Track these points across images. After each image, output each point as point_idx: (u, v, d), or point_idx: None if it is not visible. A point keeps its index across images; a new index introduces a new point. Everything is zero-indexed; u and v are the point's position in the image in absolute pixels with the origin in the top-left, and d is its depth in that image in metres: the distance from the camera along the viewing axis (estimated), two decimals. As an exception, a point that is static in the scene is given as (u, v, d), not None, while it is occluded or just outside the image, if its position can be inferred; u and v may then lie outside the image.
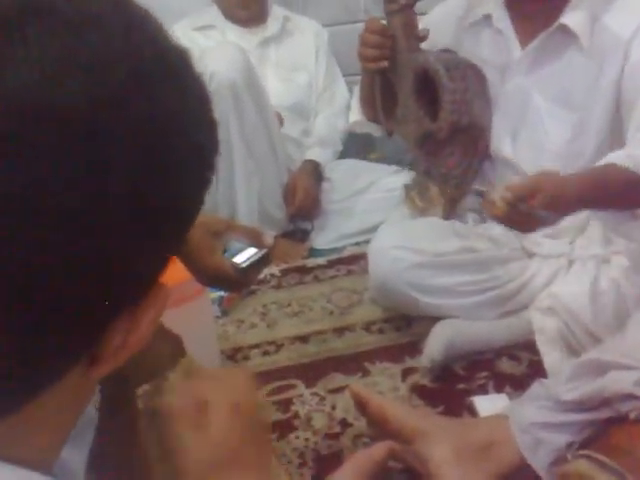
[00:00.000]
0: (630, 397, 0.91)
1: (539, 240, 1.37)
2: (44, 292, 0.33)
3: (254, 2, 1.95)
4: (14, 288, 0.32)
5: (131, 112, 0.34)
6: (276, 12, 2.02)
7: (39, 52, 0.32)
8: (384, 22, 1.33)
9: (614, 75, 1.20)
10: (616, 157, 1.12)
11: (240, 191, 1.69)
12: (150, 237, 0.37)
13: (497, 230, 1.39)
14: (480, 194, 1.16)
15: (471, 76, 1.31)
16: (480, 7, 1.34)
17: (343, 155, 2.01)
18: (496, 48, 1.33)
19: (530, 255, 1.38)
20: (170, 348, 0.80)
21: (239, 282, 0.95)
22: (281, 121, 1.86)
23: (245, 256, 0.92)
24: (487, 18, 1.33)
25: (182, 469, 0.56)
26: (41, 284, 0.32)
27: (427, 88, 1.33)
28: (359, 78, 1.49)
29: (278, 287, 1.67)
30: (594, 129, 1.25)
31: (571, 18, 1.22)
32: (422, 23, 1.36)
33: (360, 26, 2.10)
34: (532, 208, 1.01)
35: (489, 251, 1.36)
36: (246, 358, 1.42)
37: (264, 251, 0.92)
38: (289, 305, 1.58)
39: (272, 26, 2.00)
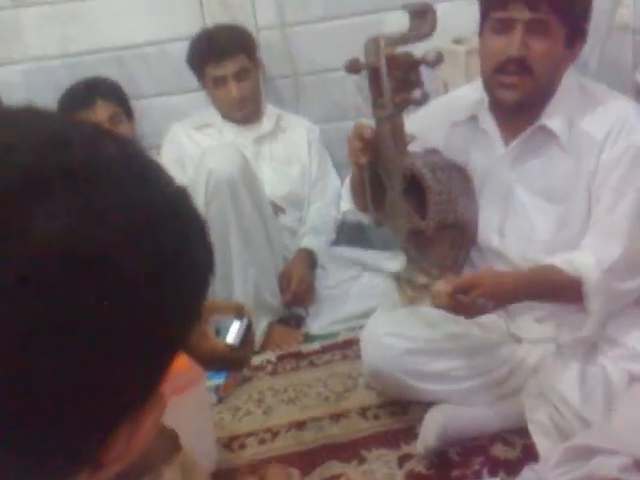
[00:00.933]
0: (617, 481, 0.94)
1: (526, 325, 1.42)
2: (50, 405, 0.36)
3: (249, 103, 2.07)
4: (24, 404, 0.36)
5: (144, 251, 0.39)
6: (270, 111, 2.14)
7: (64, 206, 0.37)
8: (371, 124, 1.42)
9: (590, 172, 1.29)
10: (559, 259, 1.24)
11: (237, 280, 1.74)
12: (153, 353, 0.41)
13: (486, 316, 1.43)
14: (425, 286, 1.27)
15: (456, 176, 1.39)
16: (465, 109, 1.44)
17: (336, 242, 2.08)
18: (481, 146, 1.42)
19: (518, 340, 1.42)
20: (166, 443, 0.82)
21: (238, 359, 1.00)
22: (282, 210, 1.94)
23: (234, 332, 0.97)
24: (472, 119, 1.43)
25: None
26: (48, 397, 0.36)
27: (415, 188, 1.40)
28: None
29: (274, 373, 1.69)
30: (578, 220, 1.33)
31: (550, 119, 1.31)
32: (408, 123, 1.45)
33: (351, 123, 2.23)
34: (471, 299, 1.14)
35: (478, 337, 1.41)
36: (242, 447, 1.43)
37: (246, 320, 0.98)
38: (285, 391, 1.60)
39: (266, 124, 2.11)
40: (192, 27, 2.14)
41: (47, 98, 2.06)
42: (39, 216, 0.36)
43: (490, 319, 1.44)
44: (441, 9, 2.01)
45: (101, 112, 2.08)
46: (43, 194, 0.37)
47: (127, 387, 0.40)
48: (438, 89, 1.98)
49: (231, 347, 0.95)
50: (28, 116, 0.43)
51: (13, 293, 0.35)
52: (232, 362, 0.98)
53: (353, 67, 1.42)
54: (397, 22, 2.01)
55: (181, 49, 2.11)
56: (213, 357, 0.94)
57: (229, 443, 1.44)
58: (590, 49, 1.87)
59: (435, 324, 1.42)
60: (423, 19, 1.37)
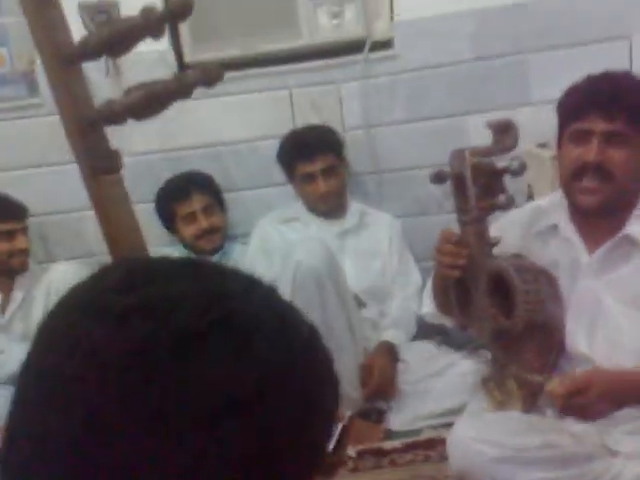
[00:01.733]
0: None
1: (620, 437, 1.37)
2: None
3: (335, 198, 2.16)
4: None
5: (290, 390, 0.45)
6: (354, 207, 2.22)
7: (218, 355, 0.43)
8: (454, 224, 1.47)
9: None
10: None
11: (320, 373, 1.77)
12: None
13: (578, 426, 1.40)
14: (540, 384, 1.24)
15: (542, 278, 1.41)
16: (546, 218, 1.48)
17: (417, 337, 2.09)
18: (564, 253, 1.44)
19: (613, 453, 1.37)
20: None
21: (332, 464, 1.01)
22: (363, 304, 1.98)
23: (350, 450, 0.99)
24: (554, 227, 1.46)
25: None
26: None
27: (500, 289, 1.42)
28: (431, 264, 1.60)
29: (355, 470, 1.67)
30: None
31: (635, 228, 1.33)
32: (492, 230, 1.48)
33: (432, 218, 2.29)
34: (586, 402, 1.09)
35: (571, 447, 1.37)
36: None
37: (341, 425, 0.99)
38: (365, 491, 1.59)
39: (350, 219, 2.20)
40: (282, 126, 2.28)
41: (147, 189, 2.22)
42: (198, 367, 0.42)
43: (582, 429, 1.40)
44: (527, 113, 2.13)
45: (196, 203, 2.22)
46: (202, 348, 0.43)
47: None
48: (523, 191, 2.01)
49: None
50: (190, 269, 0.49)
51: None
52: (326, 468, 1.00)
53: (439, 177, 1.49)
54: (476, 125, 2.11)
55: (271, 146, 2.25)
56: None
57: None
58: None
59: (525, 432, 1.39)
60: (506, 134, 1.44)
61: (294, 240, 2.10)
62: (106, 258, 1.09)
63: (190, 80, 1.05)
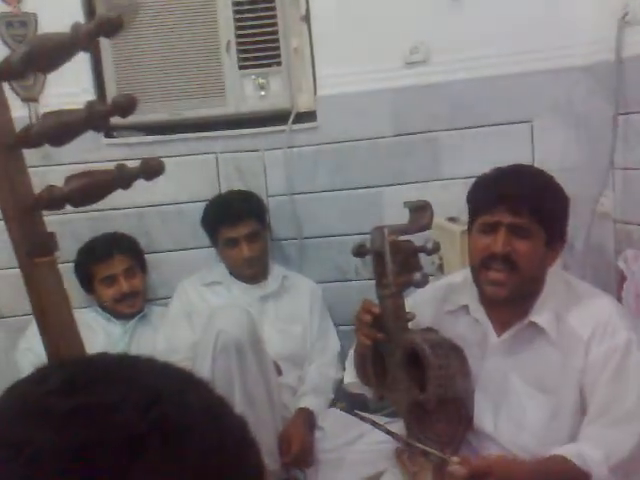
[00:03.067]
0: None
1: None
2: None
3: (258, 263, 2.20)
4: None
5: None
6: (276, 271, 2.26)
7: (156, 458, 0.45)
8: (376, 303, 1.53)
9: (578, 369, 1.38)
10: (566, 451, 1.29)
11: (237, 442, 1.77)
12: None
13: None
14: (443, 460, 1.31)
15: (453, 354, 1.48)
16: (458, 297, 1.56)
17: (334, 402, 2.12)
18: (474, 332, 1.52)
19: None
20: None
21: None
22: (279, 371, 2.00)
23: None
24: (464, 308, 1.54)
25: None
26: None
27: (414, 363, 1.49)
28: (350, 328, 1.65)
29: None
30: (568, 412, 1.40)
31: (539, 316, 1.42)
32: (407, 304, 1.55)
33: (350, 284, 2.36)
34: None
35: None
36: None
37: None
38: None
39: (272, 284, 2.23)
40: (208, 190, 2.32)
41: (67, 248, 2.18)
42: (138, 470, 0.44)
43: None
44: (437, 188, 2.25)
45: (118, 265, 2.20)
46: (141, 450, 0.45)
47: None
48: (434, 263, 2.12)
49: None
50: (128, 370, 0.51)
51: None
52: None
53: (360, 251, 1.56)
54: (392, 197, 2.22)
55: (196, 209, 2.28)
56: None
57: None
58: (576, 232, 2.04)
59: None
60: (422, 213, 1.53)
61: (216, 305, 2.11)
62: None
63: (131, 173, 1.09)
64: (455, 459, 1.23)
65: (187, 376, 0.53)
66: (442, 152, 2.29)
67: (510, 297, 1.41)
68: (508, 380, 1.46)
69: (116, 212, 2.33)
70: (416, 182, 2.29)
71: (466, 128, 2.26)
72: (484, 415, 1.48)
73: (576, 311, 1.42)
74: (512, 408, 1.45)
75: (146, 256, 2.33)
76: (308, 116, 2.35)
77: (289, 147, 2.32)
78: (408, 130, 2.29)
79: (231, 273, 2.24)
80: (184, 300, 2.21)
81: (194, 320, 2.15)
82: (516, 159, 1.53)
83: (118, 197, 2.28)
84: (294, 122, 2.31)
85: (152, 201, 2.35)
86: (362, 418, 1.58)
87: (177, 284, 2.26)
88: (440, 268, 2.11)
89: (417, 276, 1.50)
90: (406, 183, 2.29)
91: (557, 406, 1.41)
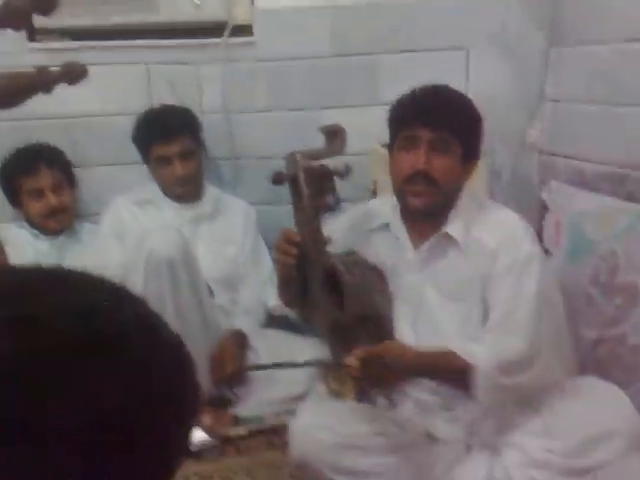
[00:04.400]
0: None
1: (439, 425, 1.55)
2: None
3: (191, 182, 2.15)
4: None
5: (158, 406, 0.48)
6: (210, 192, 2.22)
7: (87, 372, 0.45)
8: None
9: (484, 278, 1.48)
10: (458, 347, 1.39)
11: (169, 362, 1.79)
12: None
13: (404, 415, 1.56)
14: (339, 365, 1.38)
15: (370, 274, 1.54)
16: (378, 217, 1.63)
17: (266, 324, 2.16)
18: (393, 250, 1.59)
19: (433, 440, 1.54)
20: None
21: None
22: (211, 292, 2.01)
23: (198, 438, 1.04)
24: (385, 226, 1.61)
25: None
26: None
27: (333, 284, 1.53)
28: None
29: (199, 458, 1.73)
30: (477, 319, 1.50)
31: (452, 227, 1.51)
32: (327, 228, 1.57)
33: (284, 207, 2.35)
34: (380, 370, 1.29)
35: (397, 435, 1.52)
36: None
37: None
38: (211, 477, 1.65)
39: (206, 205, 2.20)
40: (138, 103, 2.22)
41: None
42: (73, 380, 0.44)
43: (408, 418, 1.56)
44: (377, 112, 2.23)
45: (45, 179, 2.12)
46: (77, 361, 0.45)
47: None
48: (369, 188, 2.14)
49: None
50: (60, 283, 0.51)
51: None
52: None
53: (278, 179, 1.56)
54: (333, 118, 2.19)
55: (126, 122, 2.18)
56: None
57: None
58: (503, 162, 2.09)
59: (357, 420, 1.52)
60: (335, 138, 1.53)
61: (148, 225, 2.08)
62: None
63: (52, 76, 1.02)
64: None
65: (122, 289, 0.53)
66: (382, 75, 2.25)
67: (429, 209, 1.49)
68: (424, 292, 1.55)
69: (41, 122, 2.21)
70: (355, 106, 2.26)
71: (406, 52, 2.23)
72: (404, 328, 1.56)
73: (484, 224, 1.51)
74: (429, 319, 1.54)
75: (75, 170, 2.24)
76: (245, 30, 2.25)
77: (225, 62, 2.23)
78: (348, 51, 2.24)
79: (164, 192, 2.19)
80: (116, 218, 2.16)
81: (125, 240, 2.11)
82: (451, 85, 1.54)
83: (42, 106, 2.18)
84: (231, 36, 2.21)
85: (79, 111, 2.24)
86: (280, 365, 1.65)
87: (108, 200, 2.20)
88: (374, 194, 2.13)
89: (330, 199, 1.53)
90: (344, 106, 2.25)
91: (467, 314, 1.51)
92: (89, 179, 2.30)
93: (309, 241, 1.53)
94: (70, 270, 0.53)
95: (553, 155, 2.00)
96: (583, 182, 1.86)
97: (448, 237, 1.52)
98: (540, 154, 2.05)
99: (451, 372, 1.40)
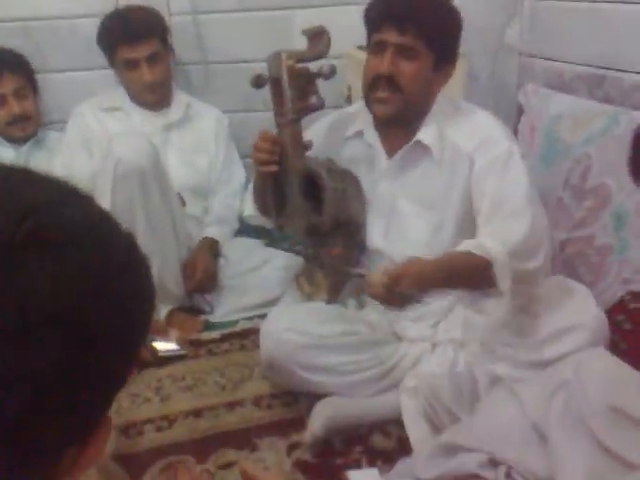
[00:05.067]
0: (475, 477, 1.09)
1: (406, 324, 1.57)
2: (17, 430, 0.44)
3: (160, 88, 2.08)
4: None
5: (105, 303, 0.47)
6: (180, 98, 2.15)
7: (33, 270, 0.43)
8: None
9: (463, 181, 1.46)
10: (468, 245, 1.35)
11: (140, 269, 1.78)
12: (99, 379, 0.48)
13: (373, 316, 1.58)
14: (361, 276, 1.36)
15: (349, 179, 1.53)
16: (354, 124, 1.59)
17: (239, 233, 2.15)
18: (367, 158, 1.57)
19: (400, 338, 1.57)
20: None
21: (147, 362, 1.08)
22: (183, 202, 1.98)
23: (165, 347, 1.06)
24: (360, 133, 1.57)
25: None
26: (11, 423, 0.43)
27: (312, 189, 1.51)
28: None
29: (172, 361, 1.75)
30: (451, 225, 1.50)
31: (425, 134, 1.48)
32: (306, 134, 1.55)
33: (257, 114, 2.30)
34: (402, 289, 1.24)
35: (366, 335, 1.54)
36: (140, 433, 1.49)
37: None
38: (183, 379, 1.67)
39: (176, 111, 2.13)
40: (104, 5, 2.11)
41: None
42: (13, 282, 0.42)
43: (377, 319, 1.58)
44: (352, 13, 2.14)
45: (7, 85, 2.04)
46: (15, 262, 0.43)
47: (75, 414, 0.47)
48: (342, 93, 2.08)
49: (152, 351, 1.04)
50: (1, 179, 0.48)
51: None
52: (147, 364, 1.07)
53: (258, 81, 1.51)
54: (306, 19, 2.11)
55: (90, 25, 2.08)
56: None
57: (126, 430, 1.50)
58: (481, 63, 2.03)
59: (328, 321, 1.54)
60: (319, 40, 1.48)
61: (115, 132, 2.02)
62: None
63: None
64: (373, 272, 1.27)
65: (69, 188, 0.50)
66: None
67: (396, 117, 1.45)
68: (397, 201, 1.54)
69: (0, 25, 2.11)
70: (329, 5, 2.17)
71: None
72: (375, 234, 1.56)
73: (459, 127, 1.48)
74: (400, 226, 1.54)
75: (37, 76, 2.16)
76: None
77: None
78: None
79: (131, 99, 2.11)
80: (81, 125, 2.09)
81: (93, 148, 2.06)
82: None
83: (1, 8, 2.10)
84: None
85: (40, 14, 2.14)
86: (272, 244, 1.63)
87: (73, 108, 2.13)
88: (348, 99, 2.07)
89: (313, 100, 1.49)
90: (318, 6, 2.17)
91: (440, 221, 1.50)
92: (52, 85, 2.22)
93: (289, 145, 1.50)
94: (13, 167, 0.50)
95: (532, 57, 1.94)
96: (561, 85, 1.82)
97: (421, 145, 1.48)
98: (519, 56, 2.00)
99: (471, 272, 1.34)
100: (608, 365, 1.08)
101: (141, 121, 2.09)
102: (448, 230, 1.50)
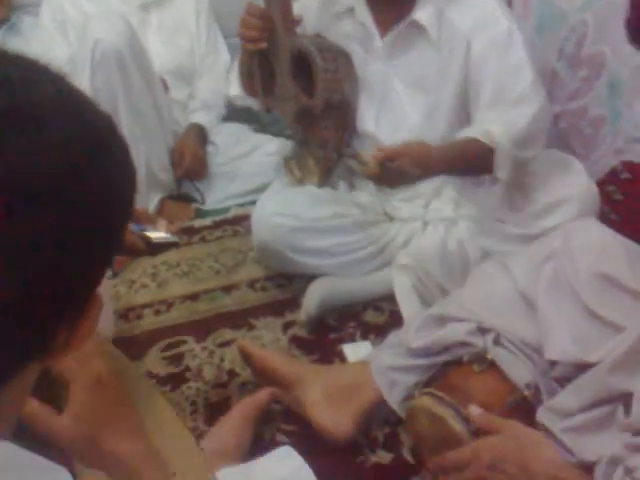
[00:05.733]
0: (464, 344, 1.13)
1: (397, 204, 1.57)
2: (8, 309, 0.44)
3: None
4: None
5: (84, 181, 0.46)
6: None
7: (10, 146, 0.42)
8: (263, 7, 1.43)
9: (460, 64, 1.40)
10: (473, 131, 1.32)
11: (127, 156, 1.75)
12: (84, 257, 0.49)
13: (364, 197, 1.57)
14: (354, 156, 1.34)
15: (341, 58, 1.46)
16: (345, 0, 1.48)
17: (226, 118, 2.10)
18: (359, 37, 1.49)
19: (391, 219, 1.57)
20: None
21: (141, 251, 1.09)
22: (166, 86, 1.92)
23: (158, 235, 1.06)
24: (351, 10, 1.48)
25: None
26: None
27: (303, 68, 1.45)
28: (239, 40, 1.57)
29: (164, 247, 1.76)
30: (445, 109, 1.45)
31: (420, 13, 1.40)
32: (294, 8, 1.47)
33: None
34: (400, 167, 1.20)
35: (357, 216, 1.54)
36: (139, 317, 1.53)
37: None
38: (178, 265, 1.69)
39: (153, -10, 2.02)
40: None
41: None
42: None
43: (368, 200, 1.57)
44: None
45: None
46: None
47: (65, 290, 0.47)
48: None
49: (147, 239, 1.04)
50: None
51: None
52: (133, 250, 1.07)
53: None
54: None
55: None
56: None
57: (126, 314, 1.53)
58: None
59: (319, 204, 1.53)
60: None
61: (91, 13, 1.92)
62: None
63: None
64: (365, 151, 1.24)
65: (43, 67, 0.48)
66: None
67: None
68: (390, 82, 1.48)
69: None
70: None
71: None
72: (366, 117, 1.52)
73: (457, 5, 1.40)
74: (392, 109, 1.49)
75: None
76: None
77: None
78: None
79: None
80: (55, 7, 1.98)
81: (69, 30, 1.97)
82: None
83: None
84: None
85: None
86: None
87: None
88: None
89: None
90: None
91: (434, 105, 1.45)
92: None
93: (278, 20, 1.43)
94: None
95: None
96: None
97: (416, 25, 1.40)
98: None
99: (474, 158, 1.32)
100: (596, 233, 1.09)
101: (117, 0, 1.99)
102: (442, 115, 1.45)
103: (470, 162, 1.34)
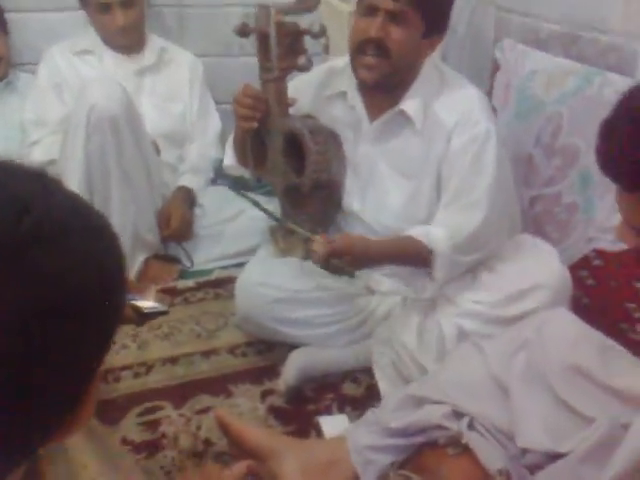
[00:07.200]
0: (439, 427, 1.16)
1: (379, 279, 1.61)
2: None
3: (133, 30, 2.03)
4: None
5: (93, 293, 0.50)
6: (153, 42, 2.11)
7: (36, 266, 0.46)
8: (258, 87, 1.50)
9: (439, 156, 1.46)
10: (415, 231, 1.41)
11: (115, 217, 1.76)
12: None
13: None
14: (307, 239, 1.39)
15: (331, 140, 1.52)
16: (337, 83, 1.57)
17: (214, 182, 2.15)
18: (349, 120, 1.55)
19: (372, 292, 1.61)
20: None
21: (131, 320, 1.12)
22: (157, 150, 1.97)
23: (148, 305, 1.09)
24: (343, 94, 1.55)
25: None
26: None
27: (294, 148, 1.51)
28: (231, 107, 1.63)
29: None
30: (425, 196, 1.51)
31: (409, 104, 1.47)
32: (292, 85, 1.54)
33: (234, 59, 2.27)
34: (342, 262, 1.29)
35: (339, 289, 1.58)
36: (117, 379, 1.53)
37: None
38: (160, 327, 1.71)
39: (149, 56, 2.09)
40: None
41: None
42: (21, 279, 0.45)
43: (351, 273, 1.61)
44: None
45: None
46: (20, 260, 0.46)
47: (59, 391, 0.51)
48: (321, 42, 2.05)
49: (138, 309, 1.07)
50: None
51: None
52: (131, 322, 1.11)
53: (243, 30, 1.49)
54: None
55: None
56: None
57: (105, 376, 1.53)
58: (458, 16, 2.01)
59: (302, 276, 1.57)
60: None
61: (88, 77, 1.98)
62: None
63: None
64: (318, 237, 1.30)
65: (45, 177, 0.52)
66: None
67: (381, 82, 1.43)
68: (376, 165, 1.54)
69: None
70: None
71: None
72: (353, 197, 1.57)
73: (443, 100, 1.47)
74: (377, 191, 1.55)
75: (6, 15, 2.09)
76: None
77: None
78: None
79: (104, 41, 2.06)
80: (53, 68, 2.05)
81: (64, 92, 2.02)
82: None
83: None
84: None
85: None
86: (244, 196, 1.64)
87: (43, 49, 2.07)
88: (326, 49, 2.04)
89: (302, 60, 1.48)
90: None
91: (416, 190, 1.51)
92: (22, 26, 2.15)
93: (273, 101, 1.49)
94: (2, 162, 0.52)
95: (508, 12, 1.93)
96: (537, 41, 1.82)
97: (403, 114, 1.47)
98: (497, 10, 1.99)
99: (412, 257, 1.41)
100: (568, 325, 1.14)
101: (114, 65, 2.05)
102: (424, 199, 1.51)
103: (410, 258, 1.43)
